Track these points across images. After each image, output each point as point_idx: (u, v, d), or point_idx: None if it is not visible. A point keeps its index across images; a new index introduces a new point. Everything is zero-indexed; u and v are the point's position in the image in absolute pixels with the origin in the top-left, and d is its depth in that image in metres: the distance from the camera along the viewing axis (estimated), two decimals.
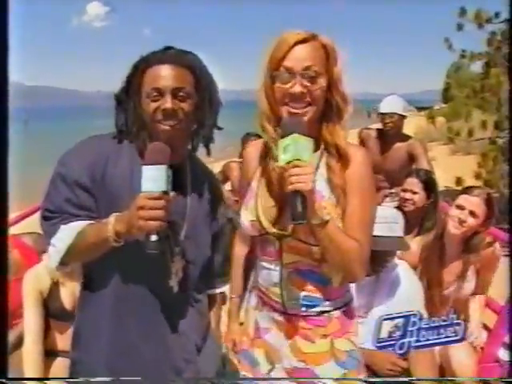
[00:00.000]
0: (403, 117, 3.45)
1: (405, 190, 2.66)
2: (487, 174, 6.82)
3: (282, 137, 1.11)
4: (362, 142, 3.56)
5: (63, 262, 1.20)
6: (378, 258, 1.80)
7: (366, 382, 1.42)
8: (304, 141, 1.09)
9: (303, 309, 1.29)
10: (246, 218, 1.29)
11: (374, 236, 1.36)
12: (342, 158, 1.21)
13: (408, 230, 2.33)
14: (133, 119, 1.23)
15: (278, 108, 1.20)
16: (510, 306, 1.82)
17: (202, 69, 1.24)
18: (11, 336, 1.83)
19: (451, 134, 6.87)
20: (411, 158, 3.36)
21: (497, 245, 2.29)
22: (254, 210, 1.27)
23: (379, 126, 3.57)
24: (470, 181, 6.83)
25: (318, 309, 1.29)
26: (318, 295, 1.28)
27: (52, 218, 1.20)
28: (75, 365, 1.30)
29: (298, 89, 1.15)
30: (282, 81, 1.17)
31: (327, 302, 1.29)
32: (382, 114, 3.45)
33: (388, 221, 1.90)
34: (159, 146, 1.11)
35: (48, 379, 1.81)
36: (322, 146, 1.24)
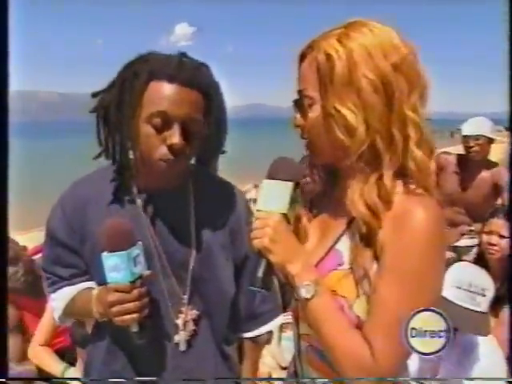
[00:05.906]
0: (491, 140, 2.90)
1: (489, 233, 2.22)
2: None
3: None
4: (440, 169, 2.96)
5: (63, 321, 1.17)
6: None
7: None
8: (276, 186, 0.82)
9: None
10: None
11: (449, 302, 1.07)
12: (369, 222, 0.78)
13: None
14: (120, 140, 0.99)
15: None
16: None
17: (217, 89, 1.01)
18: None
19: None
20: (496, 189, 2.87)
21: None
22: None
23: (461, 150, 3.04)
24: None
25: None
26: None
27: (46, 278, 1.12)
28: None
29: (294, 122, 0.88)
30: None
31: None
32: (466, 136, 2.91)
33: (472, 289, 1.41)
34: (116, 227, 0.91)
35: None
36: None
